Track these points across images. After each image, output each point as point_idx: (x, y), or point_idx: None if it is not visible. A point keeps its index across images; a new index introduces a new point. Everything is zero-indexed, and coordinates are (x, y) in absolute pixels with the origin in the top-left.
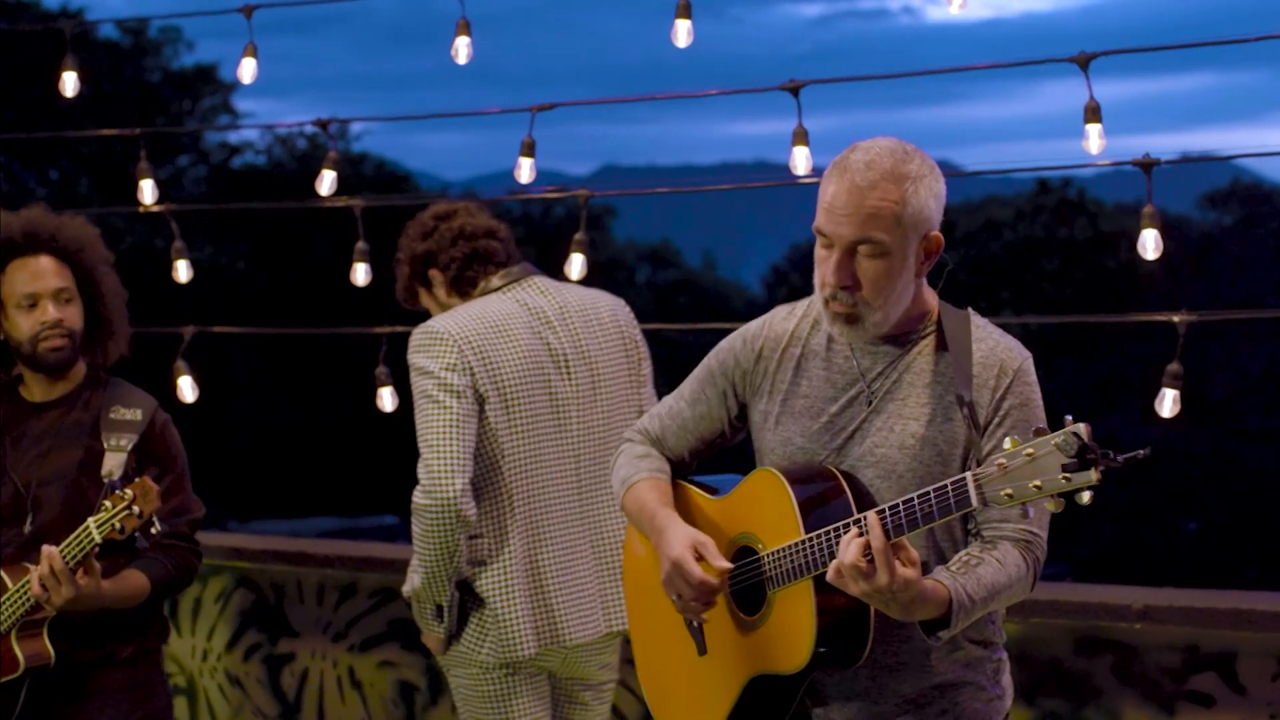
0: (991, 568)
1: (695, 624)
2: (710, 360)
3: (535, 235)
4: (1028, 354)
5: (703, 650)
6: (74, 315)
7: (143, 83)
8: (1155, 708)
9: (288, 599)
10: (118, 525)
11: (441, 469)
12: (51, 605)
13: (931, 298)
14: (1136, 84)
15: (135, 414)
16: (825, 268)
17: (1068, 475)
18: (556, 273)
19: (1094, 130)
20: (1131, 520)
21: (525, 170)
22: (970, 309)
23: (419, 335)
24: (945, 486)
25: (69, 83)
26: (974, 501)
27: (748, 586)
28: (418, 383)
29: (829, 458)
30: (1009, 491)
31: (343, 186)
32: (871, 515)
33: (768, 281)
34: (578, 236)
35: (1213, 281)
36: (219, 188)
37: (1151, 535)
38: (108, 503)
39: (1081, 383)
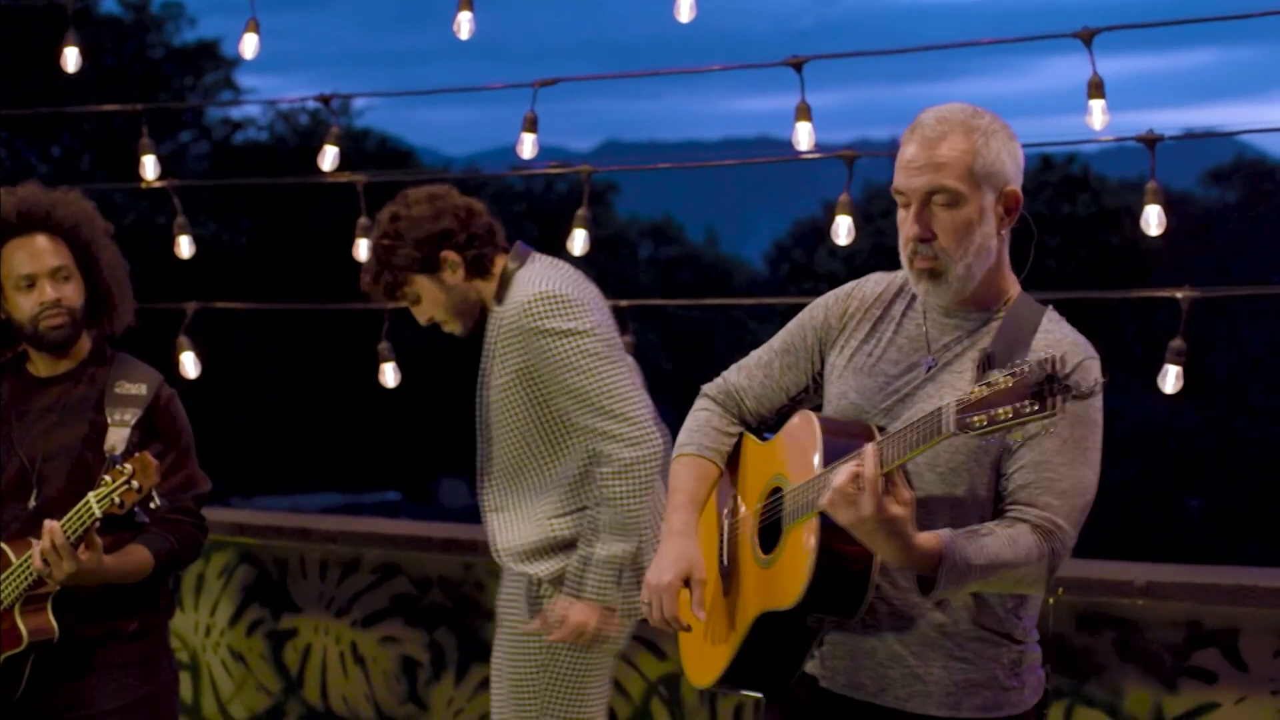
0: (999, 541)
1: (725, 564)
2: (803, 314)
3: (537, 211)
4: (1096, 356)
5: (727, 591)
6: (73, 293)
7: (145, 59)
8: (1157, 683)
9: (290, 574)
10: (117, 500)
11: (644, 418)
12: (54, 580)
13: (1014, 284)
14: (1140, 60)
15: (140, 388)
16: (904, 226)
17: (1029, 405)
18: (559, 249)
19: (1097, 106)
20: (1133, 497)
21: (528, 146)
22: (1052, 306)
23: (546, 302)
24: (930, 414)
25: (71, 59)
26: (951, 427)
27: (771, 524)
28: (572, 345)
29: (877, 417)
30: (981, 419)
31: (345, 162)
32: (869, 446)
33: (770, 257)
34: (580, 212)
35: (1216, 258)
36: (221, 164)
37: (1153, 512)
38: (107, 477)
39: None
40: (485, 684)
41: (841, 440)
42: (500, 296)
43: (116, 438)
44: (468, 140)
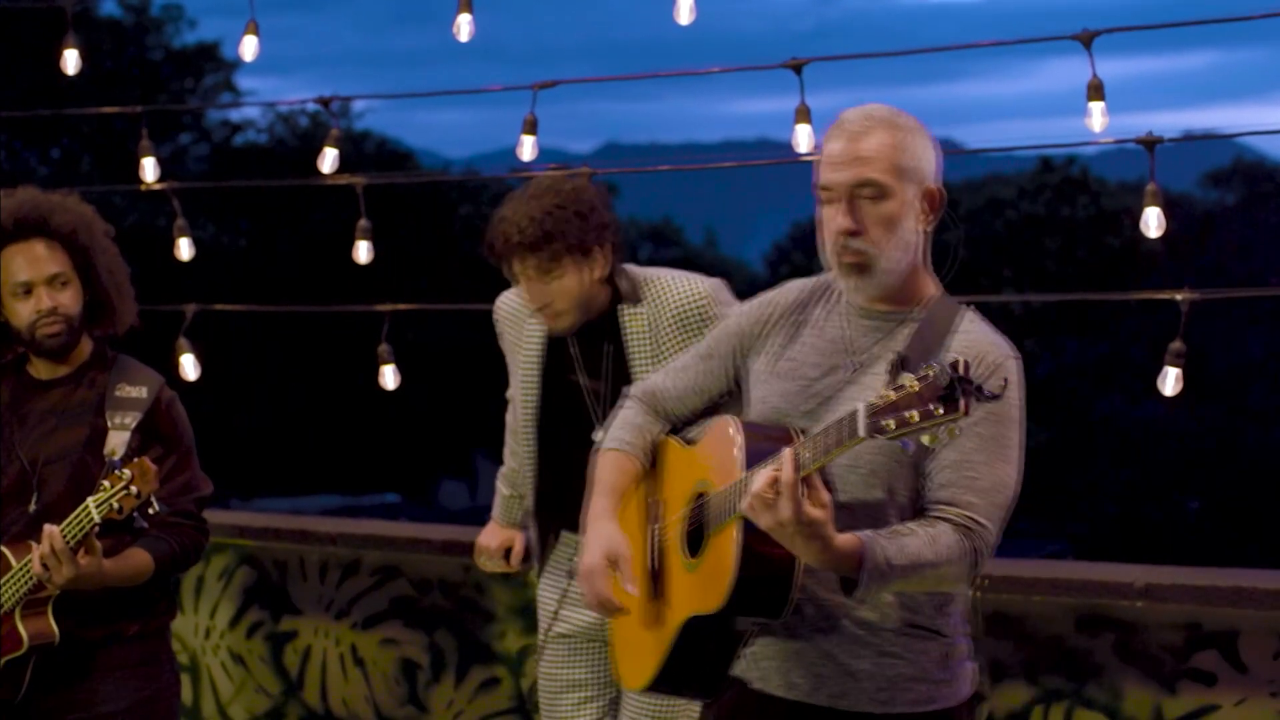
0: (920, 541)
1: (652, 567)
2: (725, 321)
3: None
4: (1017, 356)
5: (655, 594)
6: (70, 300)
7: (144, 61)
8: (1157, 685)
9: (290, 577)
10: (115, 505)
11: None
12: (53, 584)
13: (934, 285)
14: (1140, 62)
15: (140, 391)
16: (832, 221)
17: (938, 407)
18: None
19: (1097, 108)
20: (1133, 498)
21: (527, 148)
22: (972, 307)
23: (722, 291)
24: (844, 418)
25: (70, 61)
26: (862, 431)
27: (696, 529)
28: None
29: (799, 420)
30: (891, 423)
31: (345, 164)
32: (786, 450)
33: (770, 260)
34: None
35: (1215, 260)
36: (221, 166)
37: (1153, 513)
38: (106, 483)
39: (1084, 361)
40: (485, 686)
41: (763, 445)
42: (631, 296)
43: (116, 442)
44: (467, 142)
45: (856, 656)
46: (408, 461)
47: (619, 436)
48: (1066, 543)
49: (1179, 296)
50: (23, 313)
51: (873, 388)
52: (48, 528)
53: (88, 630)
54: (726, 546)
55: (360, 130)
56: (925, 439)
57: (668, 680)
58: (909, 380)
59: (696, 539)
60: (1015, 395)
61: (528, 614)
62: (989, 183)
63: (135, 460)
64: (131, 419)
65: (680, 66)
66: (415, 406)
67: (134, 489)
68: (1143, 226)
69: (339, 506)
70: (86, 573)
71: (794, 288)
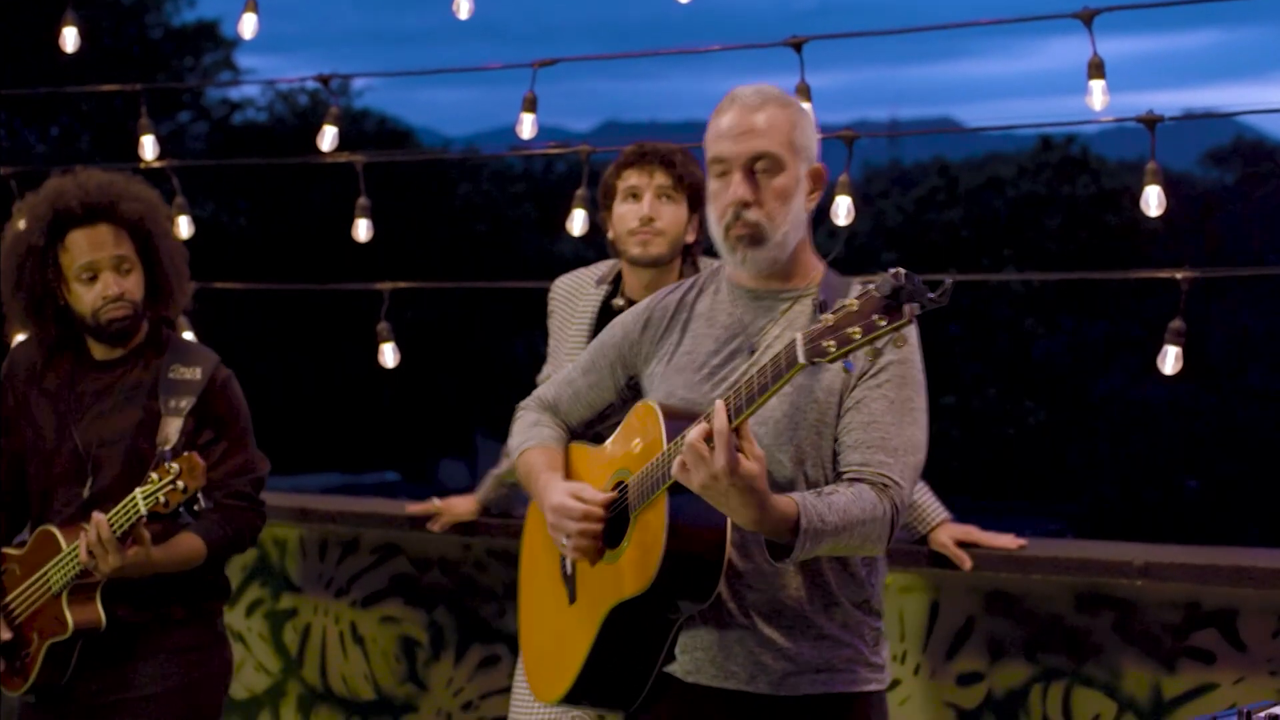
0: (846, 498)
1: (568, 571)
2: (604, 334)
3: (537, 191)
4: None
5: (573, 598)
6: (134, 285)
7: (144, 39)
8: (1156, 664)
9: (290, 555)
10: (162, 499)
11: None
12: (99, 573)
13: (818, 262)
14: (1140, 41)
15: (195, 372)
16: (725, 193)
17: (881, 318)
18: (558, 229)
19: (1097, 86)
20: (1132, 477)
21: (527, 126)
22: (858, 280)
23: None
24: (777, 354)
25: (69, 39)
26: (801, 357)
27: (616, 519)
28: None
29: (709, 406)
30: (831, 344)
31: (344, 143)
32: (718, 401)
33: None
34: (579, 192)
35: (1215, 239)
36: (220, 144)
37: (1152, 492)
38: (154, 475)
39: (1083, 339)
40: (484, 664)
41: (685, 421)
42: (693, 274)
43: (170, 430)
44: (467, 120)
45: (796, 640)
46: (407, 440)
47: (535, 435)
48: (1066, 522)
49: (1179, 275)
50: (87, 297)
51: None
52: (96, 516)
53: (134, 614)
54: (655, 521)
55: (360, 108)
56: (867, 353)
57: (587, 686)
58: (848, 301)
59: (616, 530)
60: (918, 359)
61: None
62: (989, 161)
63: (185, 455)
64: (186, 403)
65: (680, 45)
66: (415, 385)
67: (181, 484)
68: (1143, 205)
69: (339, 484)
70: (133, 562)
71: (669, 290)
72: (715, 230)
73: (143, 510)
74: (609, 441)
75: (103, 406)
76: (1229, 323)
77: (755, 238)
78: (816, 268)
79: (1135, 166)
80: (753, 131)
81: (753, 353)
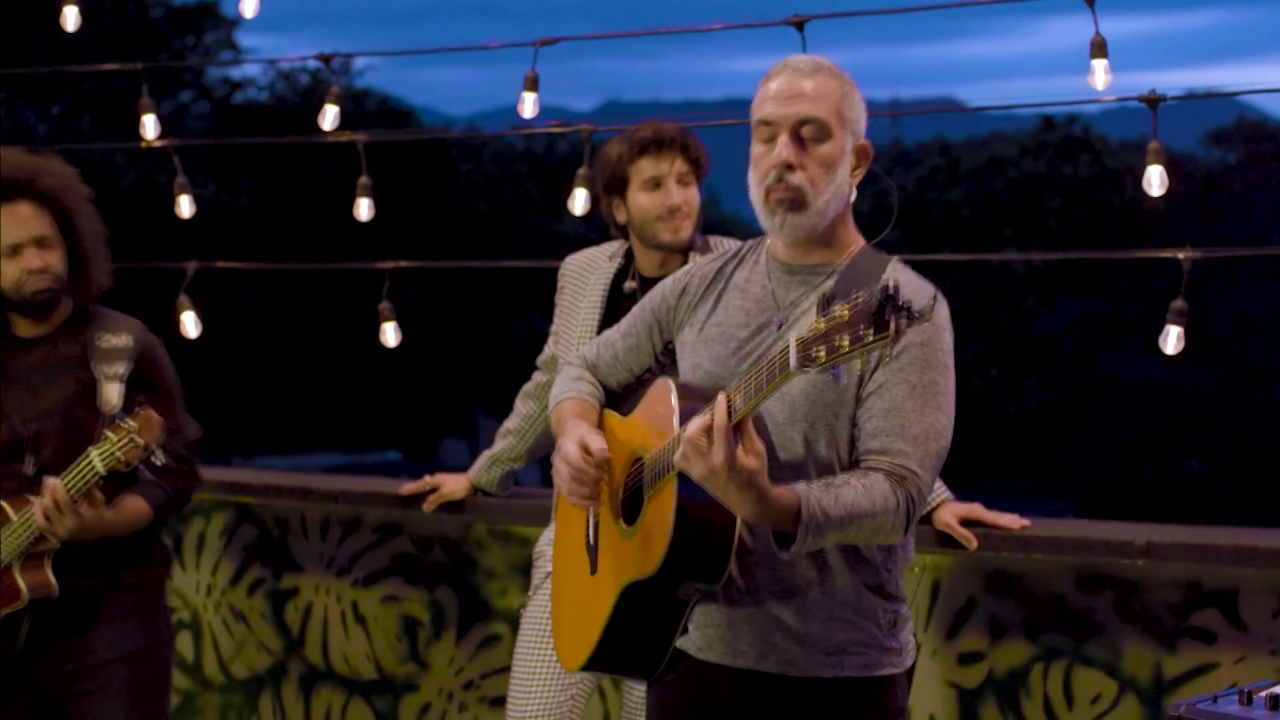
0: (855, 491)
1: (591, 542)
2: (644, 299)
3: (538, 171)
4: (942, 297)
5: (594, 569)
6: (56, 259)
7: (145, 18)
8: (1157, 644)
9: (291, 534)
10: (120, 456)
11: None
12: (55, 536)
13: (858, 238)
14: (1143, 20)
15: (124, 339)
16: (769, 155)
17: (868, 331)
18: (560, 209)
19: (1100, 65)
20: (1134, 457)
21: (528, 105)
22: (897, 257)
23: None
24: (774, 355)
25: (70, 17)
26: (793, 364)
27: (633, 496)
28: None
29: (732, 381)
30: (821, 352)
31: (346, 122)
32: (720, 395)
33: None
34: (581, 172)
35: (1217, 219)
36: (221, 123)
37: (1154, 472)
38: (110, 433)
39: (1085, 319)
40: (485, 643)
41: (698, 404)
42: (703, 249)
43: (112, 393)
44: (469, 100)
45: (806, 621)
46: (409, 419)
47: (573, 389)
48: (1067, 501)
49: (1181, 255)
50: (9, 272)
51: None
52: (49, 480)
53: (86, 580)
54: (664, 506)
55: (361, 88)
56: (857, 365)
57: (606, 656)
58: (839, 308)
59: (635, 506)
60: (944, 340)
61: (529, 571)
62: (991, 141)
63: (139, 411)
64: (123, 368)
65: (682, 24)
66: (416, 364)
67: (140, 440)
68: (1145, 185)
69: (340, 464)
70: (89, 524)
71: (710, 258)
72: (755, 194)
73: (100, 469)
74: (634, 413)
75: (33, 382)
76: (1231, 303)
77: (796, 202)
78: (854, 242)
79: (1137, 146)
80: (802, 96)
81: (780, 327)
